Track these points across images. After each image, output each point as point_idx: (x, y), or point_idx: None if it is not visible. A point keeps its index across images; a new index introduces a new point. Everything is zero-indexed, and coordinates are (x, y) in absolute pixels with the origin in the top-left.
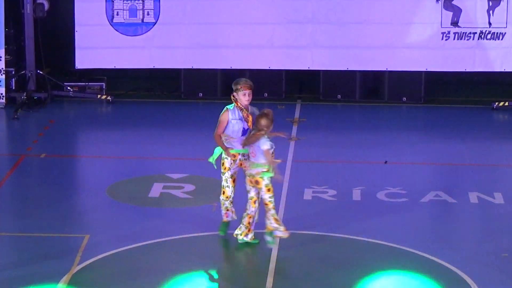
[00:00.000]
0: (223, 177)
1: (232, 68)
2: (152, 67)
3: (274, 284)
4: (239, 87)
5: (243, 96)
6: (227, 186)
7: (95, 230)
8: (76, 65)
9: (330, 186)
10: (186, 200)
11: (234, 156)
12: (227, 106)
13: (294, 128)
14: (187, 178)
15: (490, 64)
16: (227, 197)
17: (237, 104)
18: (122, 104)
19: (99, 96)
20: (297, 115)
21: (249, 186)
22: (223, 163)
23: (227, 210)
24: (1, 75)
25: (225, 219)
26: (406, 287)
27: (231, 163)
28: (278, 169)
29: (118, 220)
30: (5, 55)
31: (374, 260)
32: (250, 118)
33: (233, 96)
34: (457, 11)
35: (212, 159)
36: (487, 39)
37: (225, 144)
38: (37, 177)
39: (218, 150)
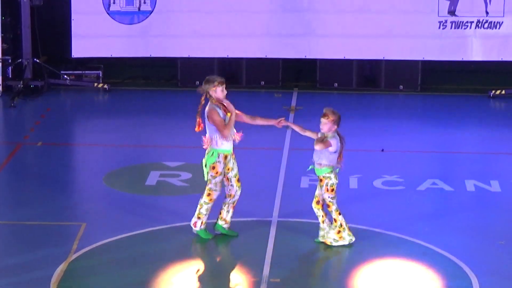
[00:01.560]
0: (213, 181)
1: (228, 56)
2: (149, 56)
3: (271, 272)
4: (217, 83)
5: (221, 92)
6: (215, 190)
7: (91, 218)
8: (72, 54)
9: None
10: (183, 188)
11: (226, 157)
12: (212, 106)
13: (291, 116)
14: (184, 166)
15: (487, 53)
16: (210, 200)
17: (214, 101)
18: (119, 93)
19: (95, 84)
20: (293, 103)
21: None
22: (214, 167)
23: (200, 217)
24: None
25: (194, 229)
26: (403, 274)
27: (222, 168)
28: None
29: (115, 208)
30: (2, 43)
31: (370, 248)
32: (231, 107)
33: (208, 93)
34: (454, 0)
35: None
36: (484, 28)
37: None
38: (33, 165)
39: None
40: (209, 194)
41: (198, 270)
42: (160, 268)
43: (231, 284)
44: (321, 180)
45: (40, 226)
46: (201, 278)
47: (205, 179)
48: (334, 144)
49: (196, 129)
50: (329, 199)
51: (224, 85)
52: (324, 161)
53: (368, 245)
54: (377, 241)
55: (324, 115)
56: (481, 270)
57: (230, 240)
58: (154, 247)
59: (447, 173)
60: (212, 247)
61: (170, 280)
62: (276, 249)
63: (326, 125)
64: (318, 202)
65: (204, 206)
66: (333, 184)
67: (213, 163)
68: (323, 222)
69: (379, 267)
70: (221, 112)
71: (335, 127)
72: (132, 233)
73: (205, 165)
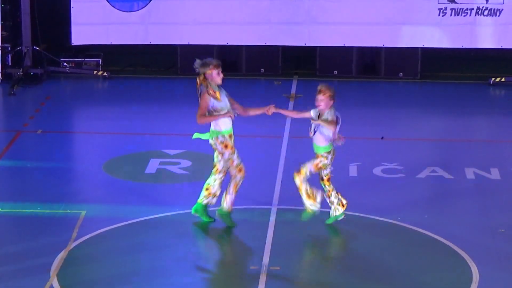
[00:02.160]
0: (234, 157)
1: (228, 44)
2: (149, 43)
3: (271, 260)
4: (212, 66)
5: (217, 75)
6: (241, 162)
7: (91, 206)
8: (72, 41)
9: None
10: (182, 176)
11: (230, 136)
12: (205, 89)
13: (291, 104)
14: (183, 154)
15: (487, 40)
16: (244, 173)
17: (206, 83)
18: (118, 80)
19: (95, 72)
20: (293, 90)
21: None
22: (226, 145)
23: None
24: None
25: (228, 208)
26: (403, 262)
27: (232, 143)
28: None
29: (115, 196)
30: (1, 31)
31: (370, 236)
32: (217, 95)
33: (204, 76)
34: None
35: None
36: (484, 15)
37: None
38: (33, 153)
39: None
40: (240, 170)
41: (198, 258)
42: (160, 256)
43: (231, 272)
44: (317, 157)
45: (40, 214)
46: (200, 266)
47: (214, 161)
48: (338, 118)
49: None
50: (309, 171)
51: (220, 69)
52: (323, 138)
53: (367, 233)
54: (376, 229)
55: (320, 92)
56: (481, 258)
57: (230, 228)
58: (154, 235)
59: (447, 161)
60: (212, 235)
61: (169, 268)
62: (276, 237)
63: (323, 101)
64: (322, 179)
65: (239, 183)
66: (325, 164)
67: (223, 143)
68: (329, 196)
69: (378, 255)
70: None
71: (332, 101)
72: (132, 221)
73: (215, 149)
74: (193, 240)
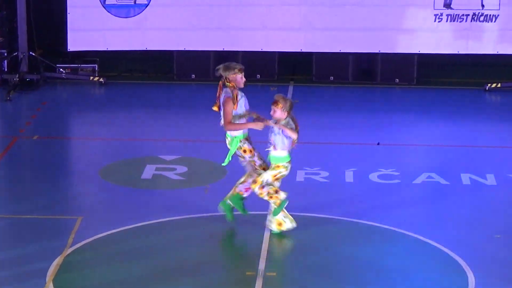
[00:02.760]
0: (255, 159)
1: (225, 49)
2: (145, 49)
3: (267, 266)
4: (237, 70)
5: (241, 79)
6: (265, 162)
7: (87, 212)
8: (68, 47)
9: (322, 168)
10: (178, 181)
11: (247, 139)
12: (228, 93)
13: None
14: (179, 160)
15: (483, 46)
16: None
17: (230, 87)
18: (114, 86)
19: (91, 78)
20: (289, 96)
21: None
22: (244, 150)
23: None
24: None
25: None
26: (399, 268)
27: (251, 145)
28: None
29: (111, 202)
30: None
31: (366, 241)
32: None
33: (227, 79)
34: None
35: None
36: (480, 21)
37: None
38: (29, 159)
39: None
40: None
41: (193, 264)
42: (156, 261)
43: (227, 278)
44: (277, 167)
45: (36, 220)
46: (196, 272)
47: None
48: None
49: (215, 108)
50: (265, 181)
51: (243, 73)
52: (281, 147)
53: (364, 238)
54: (373, 234)
55: (274, 102)
56: (477, 264)
57: (226, 234)
58: (150, 241)
59: (443, 167)
60: (208, 240)
61: (165, 274)
62: (271, 243)
63: (276, 112)
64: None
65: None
66: (283, 175)
67: (241, 148)
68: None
69: (375, 260)
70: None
71: (286, 114)
72: (128, 227)
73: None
74: (189, 246)
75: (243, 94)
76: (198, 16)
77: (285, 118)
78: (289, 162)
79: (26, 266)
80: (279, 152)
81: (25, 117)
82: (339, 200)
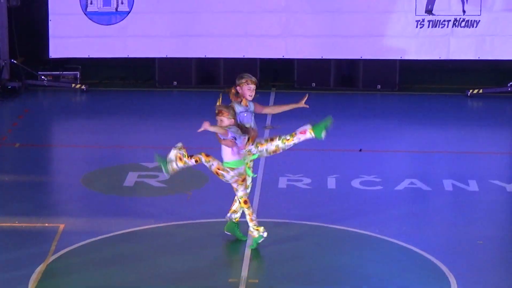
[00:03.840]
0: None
1: (206, 57)
2: (127, 56)
3: (249, 273)
4: (244, 81)
5: (247, 90)
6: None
7: (70, 220)
8: (50, 54)
9: (305, 175)
10: (160, 189)
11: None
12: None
13: (269, 117)
14: None
15: (465, 52)
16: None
17: (233, 99)
18: (96, 93)
19: (73, 85)
20: (271, 103)
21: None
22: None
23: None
24: None
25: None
26: (382, 275)
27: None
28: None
29: (93, 209)
30: None
31: (348, 248)
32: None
33: (234, 89)
34: None
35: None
36: (461, 27)
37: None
38: (11, 166)
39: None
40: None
41: (176, 271)
42: (138, 269)
43: (209, 285)
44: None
45: (18, 228)
46: (179, 279)
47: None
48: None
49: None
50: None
51: (253, 85)
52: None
53: (346, 246)
54: (355, 241)
55: (219, 113)
56: (460, 270)
57: (208, 241)
58: (132, 248)
59: (425, 173)
60: (190, 248)
61: (147, 282)
62: (254, 250)
63: (223, 121)
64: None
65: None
66: (224, 178)
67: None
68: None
69: (357, 267)
70: (240, 107)
71: (233, 120)
72: (110, 234)
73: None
74: (171, 253)
75: (248, 108)
76: (179, 23)
77: (231, 126)
78: (232, 168)
79: (8, 273)
80: (224, 156)
81: (7, 125)
82: (322, 207)
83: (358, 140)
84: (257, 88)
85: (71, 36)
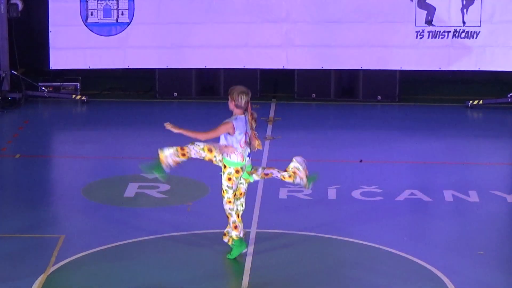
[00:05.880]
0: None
1: (206, 67)
2: (127, 67)
3: (250, 284)
4: (237, 93)
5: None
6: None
7: (70, 231)
8: (50, 66)
9: None
10: (161, 200)
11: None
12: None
13: (269, 127)
14: None
15: (465, 62)
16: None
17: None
18: (96, 104)
19: (73, 96)
20: (272, 114)
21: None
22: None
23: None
24: None
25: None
26: (382, 285)
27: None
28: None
29: (94, 220)
30: None
31: (348, 259)
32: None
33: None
34: (431, 10)
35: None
36: (461, 37)
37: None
38: (11, 177)
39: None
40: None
41: (176, 282)
42: (138, 280)
43: None
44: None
45: (19, 239)
46: None
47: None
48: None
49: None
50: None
51: (246, 96)
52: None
53: (347, 256)
54: (355, 252)
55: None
56: (460, 280)
57: (209, 251)
58: (133, 259)
59: (426, 184)
60: (191, 257)
61: None
62: (255, 259)
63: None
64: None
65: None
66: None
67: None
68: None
69: (358, 277)
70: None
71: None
72: (111, 245)
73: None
74: (172, 263)
75: (243, 118)
76: (179, 34)
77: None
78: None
79: (9, 284)
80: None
81: (7, 136)
82: (322, 218)
83: (359, 151)
84: (256, 99)
85: (71, 47)
